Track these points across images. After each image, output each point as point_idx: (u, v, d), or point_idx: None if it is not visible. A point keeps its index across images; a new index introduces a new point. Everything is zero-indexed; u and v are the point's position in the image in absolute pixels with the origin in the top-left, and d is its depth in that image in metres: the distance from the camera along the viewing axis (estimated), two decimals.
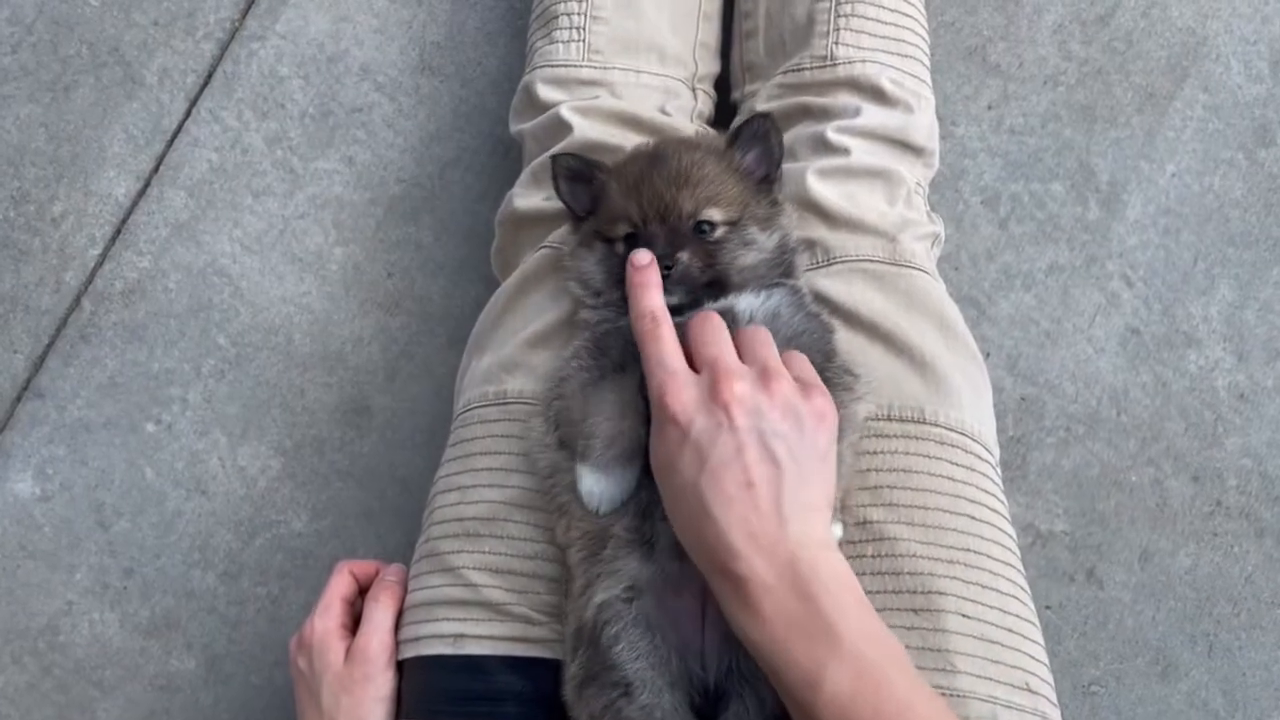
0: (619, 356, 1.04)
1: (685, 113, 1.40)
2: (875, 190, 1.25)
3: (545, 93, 1.37)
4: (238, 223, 1.70)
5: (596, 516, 1.01)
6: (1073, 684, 1.49)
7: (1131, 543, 1.52)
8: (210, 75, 1.75)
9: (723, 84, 1.51)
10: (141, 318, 1.68)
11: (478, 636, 1.09)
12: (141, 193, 1.72)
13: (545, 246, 1.26)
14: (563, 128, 1.32)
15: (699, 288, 1.05)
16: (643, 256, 1.02)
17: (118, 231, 1.71)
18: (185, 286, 1.69)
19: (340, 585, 1.24)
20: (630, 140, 1.30)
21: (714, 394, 0.91)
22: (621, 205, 1.08)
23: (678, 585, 1.00)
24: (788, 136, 1.32)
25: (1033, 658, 1.06)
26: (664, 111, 1.37)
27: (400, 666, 1.18)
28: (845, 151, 1.25)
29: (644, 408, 1.00)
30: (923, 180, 1.34)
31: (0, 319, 1.70)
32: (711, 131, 1.39)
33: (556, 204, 1.22)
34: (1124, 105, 1.62)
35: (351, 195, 1.71)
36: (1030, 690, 1.03)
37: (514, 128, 1.44)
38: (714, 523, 0.88)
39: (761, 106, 1.36)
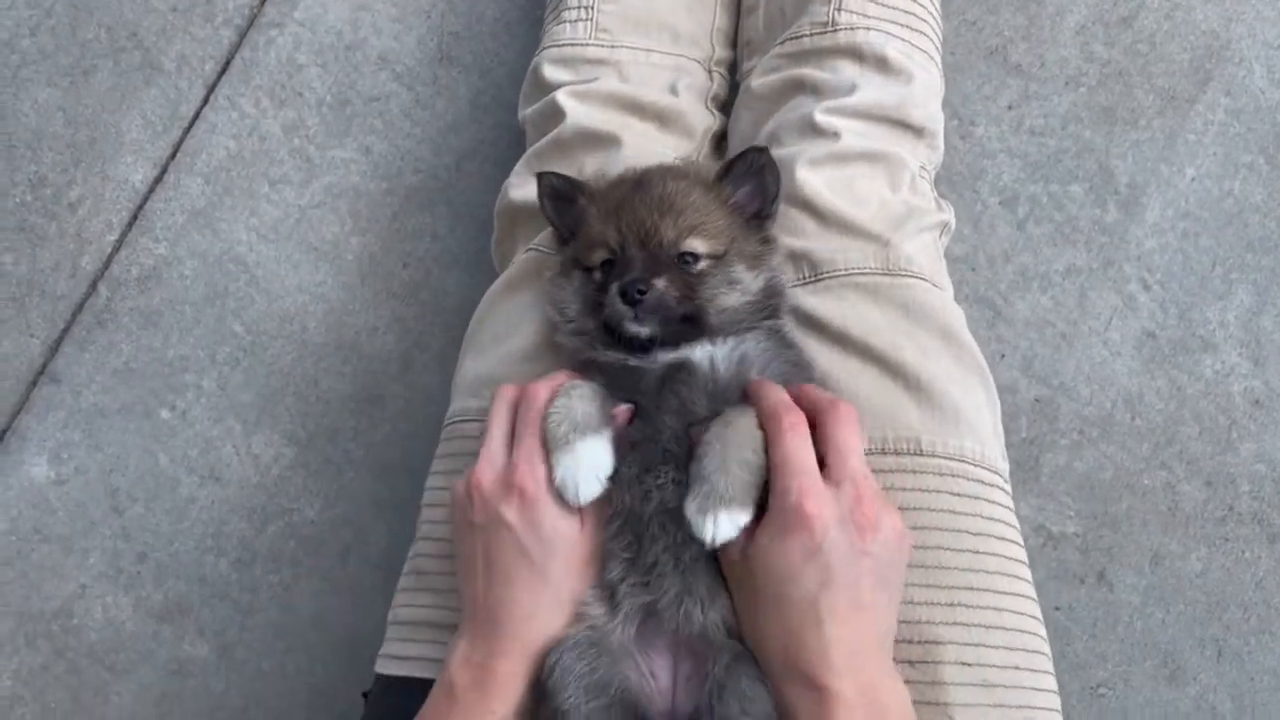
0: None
1: (697, 92, 1.36)
2: (876, 176, 1.19)
3: (550, 73, 1.34)
4: (254, 211, 1.70)
5: (579, 507, 0.94)
6: (1081, 685, 1.48)
7: (1143, 546, 1.51)
8: (228, 62, 1.73)
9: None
10: (157, 304, 1.68)
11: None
12: (158, 179, 1.71)
13: (532, 249, 1.22)
14: (557, 113, 1.29)
15: (674, 320, 0.98)
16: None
17: (134, 217, 1.71)
18: (201, 274, 1.69)
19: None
20: (629, 127, 1.27)
21: (856, 514, 0.89)
22: (600, 231, 1.03)
23: (645, 647, 0.96)
24: (775, 118, 1.26)
25: (1036, 689, 1.03)
26: (673, 91, 1.33)
27: (379, 679, 1.16)
28: (834, 135, 1.18)
29: (593, 388, 0.97)
30: (927, 164, 1.28)
31: (17, 303, 1.70)
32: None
33: None
34: (1145, 108, 1.60)
35: (368, 185, 1.70)
36: None
37: (520, 113, 1.41)
38: (822, 637, 0.87)
39: (756, 81, 1.31)
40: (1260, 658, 1.48)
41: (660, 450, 0.95)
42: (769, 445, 0.91)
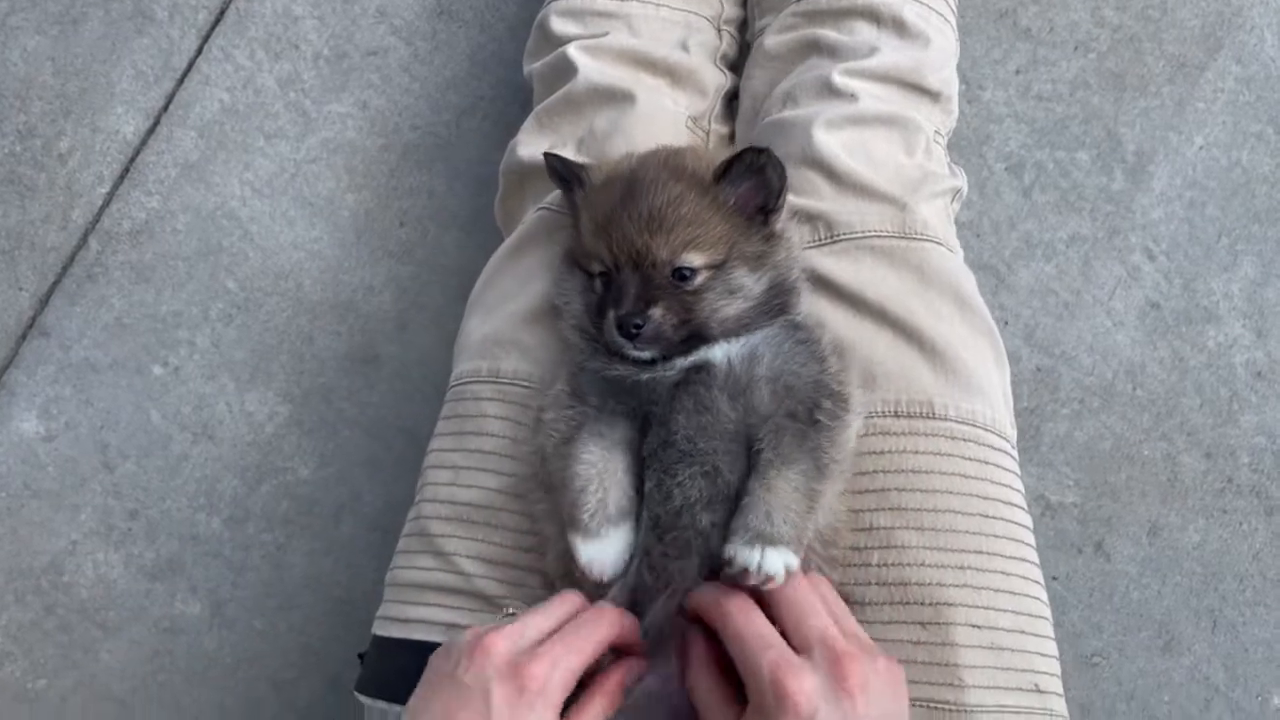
0: (598, 400, 0.96)
1: (707, 50, 1.31)
2: (892, 140, 1.15)
3: (558, 25, 1.28)
4: (248, 165, 1.63)
5: (600, 586, 0.92)
6: (1076, 655, 1.45)
7: (1141, 516, 1.47)
8: (223, 12, 1.65)
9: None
10: (149, 259, 1.61)
11: (470, 628, 1.01)
12: (151, 131, 1.63)
13: (543, 208, 1.17)
14: (568, 69, 1.23)
15: (675, 342, 0.94)
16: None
17: (126, 170, 1.63)
18: (194, 228, 1.62)
19: (598, 645, 0.89)
20: (642, 84, 1.21)
21: (839, 681, 0.81)
22: (593, 243, 0.96)
23: (656, 648, 0.93)
24: (791, 78, 1.21)
25: (1042, 654, 1.01)
26: (684, 48, 1.27)
27: (376, 640, 1.12)
28: (853, 97, 1.14)
29: (625, 461, 0.93)
30: (941, 129, 1.23)
31: (6, 256, 1.63)
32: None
33: None
34: (1155, 74, 1.54)
35: (365, 141, 1.63)
36: (1039, 690, 0.99)
37: (526, 68, 1.35)
38: None
39: (770, 40, 1.26)
40: (1255, 629, 1.45)
41: (676, 452, 0.92)
42: (719, 632, 0.87)
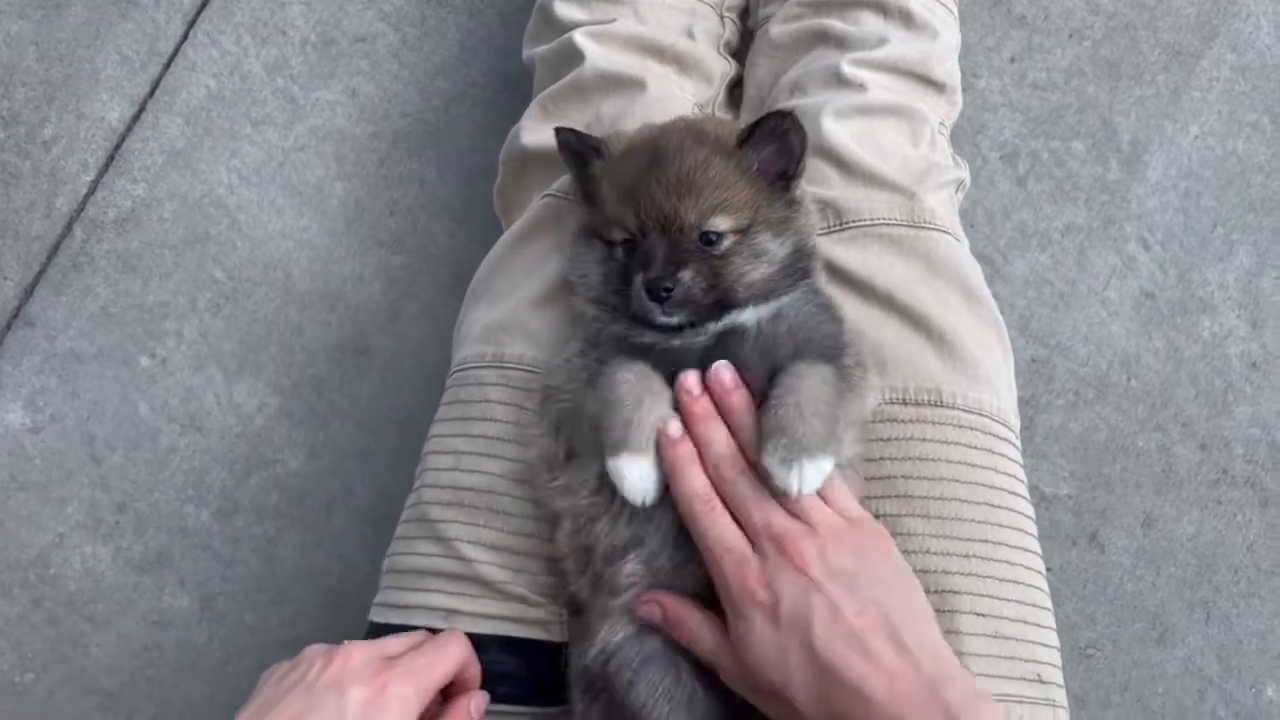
0: (614, 353, 0.96)
1: (711, 37, 1.30)
2: (900, 130, 1.15)
3: (562, 10, 1.26)
4: (236, 152, 1.60)
5: (643, 509, 0.92)
6: (1070, 646, 1.43)
7: (1135, 508, 1.46)
8: None
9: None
10: (135, 247, 1.59)
11: (471, 614, 1.02)
12: (136, 118, 1.60)
13: (550, 195, 1.15)
14: (575, 55, 1.21)
15: (704, 306, 0.94)
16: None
17: (111, 157, 1.60)
18: (181, 217, 1.59)
19: (452, 665, 0.94)
20: (650, 71, 1.20)
21: (788, 561, 0.85)
22: (617, 211, 0.96)
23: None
24: (799, 66, 1.21)
25: (1044, 645, 1.01)
26: (690, 35, 1.26)
27: (373, 628, 1.10)
28: (861, 87, 1.14)
29: (663, 387, 0.94)
30: (946, 120, 1.24)
31: None
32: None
33: None
34: (1150, 63, 1.53)
35: (354, 128, 1.60)
36: (1040, 680, 0.99)
37: (526, 52, 1.33)
38: (850, 684, 0.81)
39: (776, 29, 1.26)
40: (1249, 621, 1.45)
41: None
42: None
